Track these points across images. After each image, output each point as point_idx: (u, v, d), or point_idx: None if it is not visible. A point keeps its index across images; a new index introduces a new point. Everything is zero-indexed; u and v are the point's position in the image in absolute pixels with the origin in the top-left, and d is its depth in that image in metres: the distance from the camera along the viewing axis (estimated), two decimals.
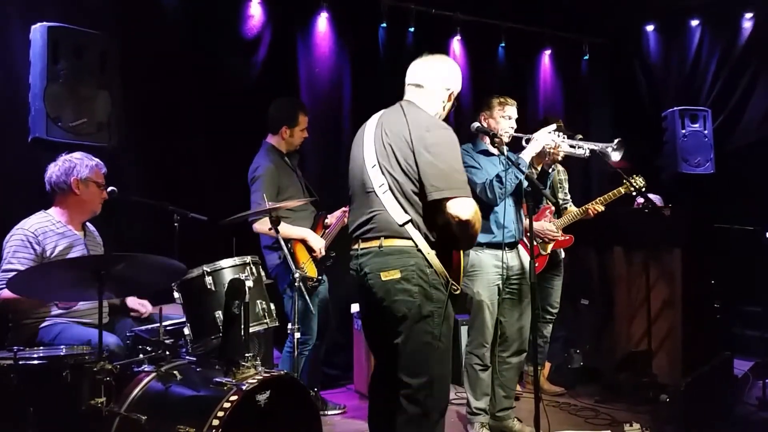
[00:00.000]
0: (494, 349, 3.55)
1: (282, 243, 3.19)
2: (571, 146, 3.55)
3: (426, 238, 2.40)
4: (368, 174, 2.48)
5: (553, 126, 3.57)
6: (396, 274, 2.37)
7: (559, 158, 3.56)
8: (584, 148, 3.56)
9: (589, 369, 4.79)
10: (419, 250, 2.38)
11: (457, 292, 2.44)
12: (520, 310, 3.56)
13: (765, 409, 3.83)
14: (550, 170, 3.58)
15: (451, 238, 2.43)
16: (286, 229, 3.59)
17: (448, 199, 2.34)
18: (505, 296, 3.55)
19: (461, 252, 2.51)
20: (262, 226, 3.59)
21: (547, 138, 3.47)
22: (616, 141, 3.56)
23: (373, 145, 2.50)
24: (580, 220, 4.32)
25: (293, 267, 3.18)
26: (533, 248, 3.15)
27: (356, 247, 2.51)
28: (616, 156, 3.56)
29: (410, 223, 2.39)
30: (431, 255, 2.39)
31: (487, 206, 3.46)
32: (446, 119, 2.62)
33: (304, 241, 3.72)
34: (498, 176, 3.35)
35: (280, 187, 3.72)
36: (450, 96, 2.61)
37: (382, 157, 2.45)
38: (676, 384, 3.86)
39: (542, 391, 3.77)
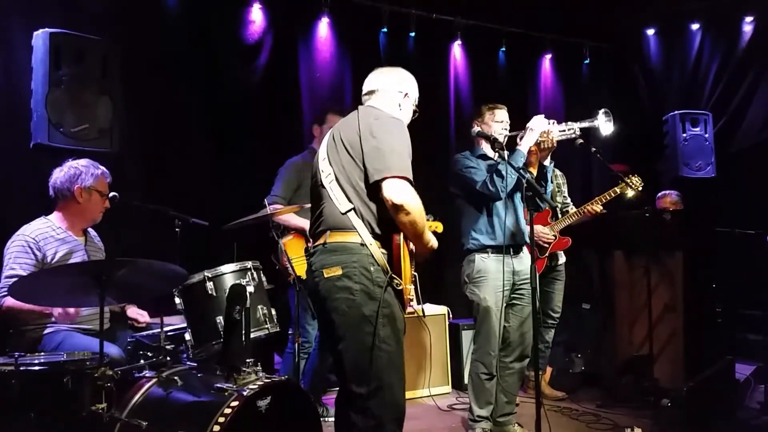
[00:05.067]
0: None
1: (281, 245, 3.22)
2: (561, 131, 3.54)
3: (370, 228, 2.32)
4: (319, 168, 2.44)
5: (542, 117, 3.54)
6: (337, 271, 2.27)
7: (554, 145, 3.50)
8: (574, 128, 3.54)
9: (590, 373, 4.78)
10: (363, 245, 2.28)
11: (400, 287, 2.31)
12: (522, 315, 3.56)
13: (767, 413, 3.82)
14: (547, 163, 3.58)
15: (397, 230, 2.33)
16: (290, 218, 3.74)
17: (384, 179, 2.26)
18: (510, 301, 3.54)
19: (402, 243, 2.35)
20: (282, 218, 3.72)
21: (542, 124, 3.46)
22: (602, 111, 3.53)
23: (325, 144, 2.49)
24: (581, 222, 4.32)
25: (293, 271, 3.20)
26: (534, 252, 3.15)
27: (310, 245, 2.45)
28: (607, 127, 3.51)
29: (353, 212, 2.31)
30: (374, 248, 2.29)
31: (489, 208, 3.48)
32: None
33: (304, 232, 3.72)
34: (497, 170, 3.36)
35: (301, 183, 3.79)
36: (405, 97, 2.58)
37: (331, 149, 2.42)
38: (678, 388, 3.85)
39: (543, 396, 3.76)
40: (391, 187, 2.25)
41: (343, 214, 2.31)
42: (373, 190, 2.30)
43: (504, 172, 3.33)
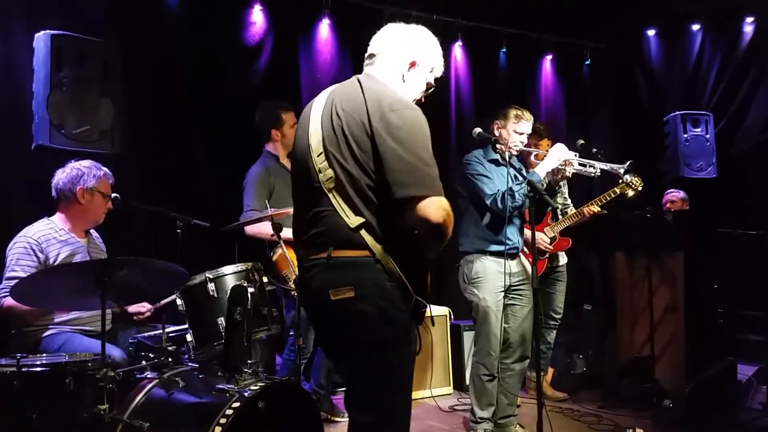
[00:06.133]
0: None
1: (283, 247, 3.20)
2: (582, 164, 3.55)
3: (382, 243, 1.96)
4: (314, 164, 2.02)
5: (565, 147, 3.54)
6: (349, 293, 1.93)
7: (568, 175, 3.56)
8: (596, 167, 3.55)
9: (591, 374, 4.78)
10: (377, 261, 1.94)
11: (425, 309, 2.00)
12: (522, 316, 3.56)
13: None
14: (557, 187, 3.60)
15: (414, 243, 1.99)
16: (268, 230, 3.48)
17: (416, 198, 1.90)
18: (508, 302, 3.54)
19: (427, 260, 2.08)
20: (253, 228, 3.61)
21: (564, 153, 3.46)
22: (628, 163, 3.57)
23: (320, 126, 2.05)
24: (580, 223, 4.32)
25: (295, 271, 3.20)
26: (535, 254, 3.15)
27: (303, 257, 2.08)
28: (627, 178, 3.57)
29: (364, 227, 1.95)
30: (391, 263, 1.94)
31: (494, 215, 3.47)
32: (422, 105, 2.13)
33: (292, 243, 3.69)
34: (511, 189, 3.34)
35: (272, 191, 3.72)
36: (413, 67, 2.16)
37: (332, 144, 2.00)
38: (680, 389, 3.85)
39: (545, 397, 3.77)
40: (429, 206, 1.90)
41: (352, 230, 1.95)
42: (392, 201, 1.94)
43: (517, 194, 3.32)
